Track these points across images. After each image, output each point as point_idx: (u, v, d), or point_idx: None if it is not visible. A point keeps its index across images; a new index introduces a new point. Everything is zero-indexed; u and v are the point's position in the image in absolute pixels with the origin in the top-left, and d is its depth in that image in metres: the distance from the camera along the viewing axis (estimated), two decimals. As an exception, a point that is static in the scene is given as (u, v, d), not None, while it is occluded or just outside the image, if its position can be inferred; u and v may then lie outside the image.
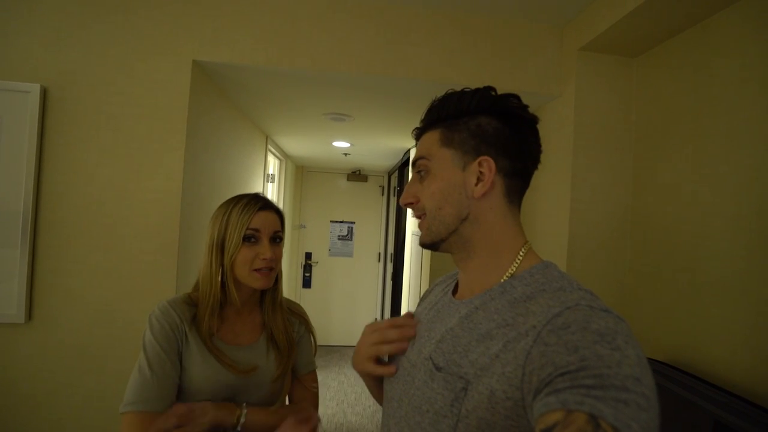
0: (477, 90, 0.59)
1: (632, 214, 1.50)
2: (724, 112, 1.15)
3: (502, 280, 0.56)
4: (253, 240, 0.89)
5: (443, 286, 0.69)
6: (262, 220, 0.89)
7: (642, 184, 1.46)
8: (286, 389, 0.93)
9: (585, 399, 0.37)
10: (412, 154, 3.01)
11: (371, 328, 0.66)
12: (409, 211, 3.19)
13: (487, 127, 0.58)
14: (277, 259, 0.92)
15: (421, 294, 0.85)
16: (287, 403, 0.95)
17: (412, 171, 0.64)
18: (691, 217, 1.24)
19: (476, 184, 0.57)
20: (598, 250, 1.50)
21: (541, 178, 1.69)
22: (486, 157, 0.57)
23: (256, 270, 0.88)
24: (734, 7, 1.14)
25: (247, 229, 0.87)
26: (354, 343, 4.84)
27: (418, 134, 0.65)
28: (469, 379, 0.49)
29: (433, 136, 0.61)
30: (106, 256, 1.40)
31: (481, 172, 0.57)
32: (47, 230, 1.37)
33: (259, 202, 0.91)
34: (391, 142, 2.92)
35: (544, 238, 1.66)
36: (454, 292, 0.64)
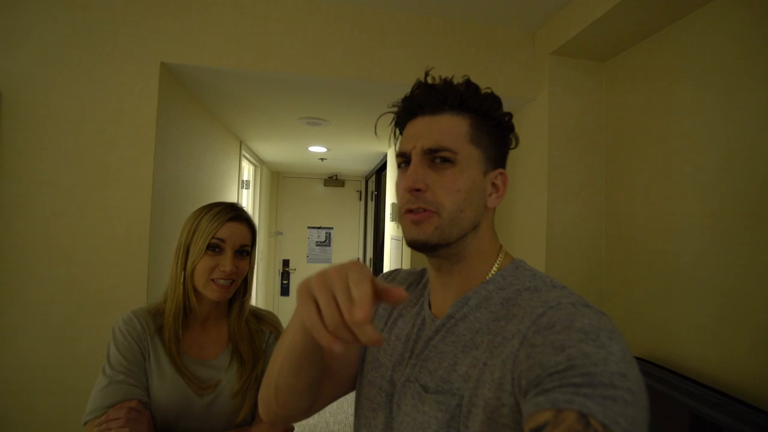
0: (495, 96, 0.58)
1: (606, 213, 1.54)
2: (687, 114, 1.20)
3: (477, 287, 0.55)
4: (216, 250, 0.86)
5: (414, 296, 0.64)
6: (229, 231, 0.87)
7: (614, 184, 1.50)
8: (249, 403, 0.89)
9: (574, 397, 0.37)
10: (390, 158, 3.00)
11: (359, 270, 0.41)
12: (388, 215, 3.18)
13: (505, 140, 0.59)
14: (240, 272, 0.89)
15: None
16: (251, 417, 0.91)
17: (421, 156, 0.54)
18: (660, 215, 1.28)
19: (490, 195, 0.57)
20: (575, 249, 1.53)
21: (518, 180, 1.72)
22: (503, 171, 0.58)
23: (213, 280, 0.86)
24: (694, 14, 1.19)
25: (213, 238, 0.85)
26: (334, 351, 4.81)
27: (435, 108, 0.55)
28: (462, 393, 0.47)
29: (459, 126, 0.54)
30: (69, 268, 1.31)
31: (494, 184, 0.57)
32: (3, 242, 1.28)
33: (231, 212, 0.89)
34: (368, 146, 2.91)
35: (522, 238, 1.68)
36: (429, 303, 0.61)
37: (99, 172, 1.34)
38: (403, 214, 0.55)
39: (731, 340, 1.04)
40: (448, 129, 0.54)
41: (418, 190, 0.53)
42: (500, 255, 0.57)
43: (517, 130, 0.61)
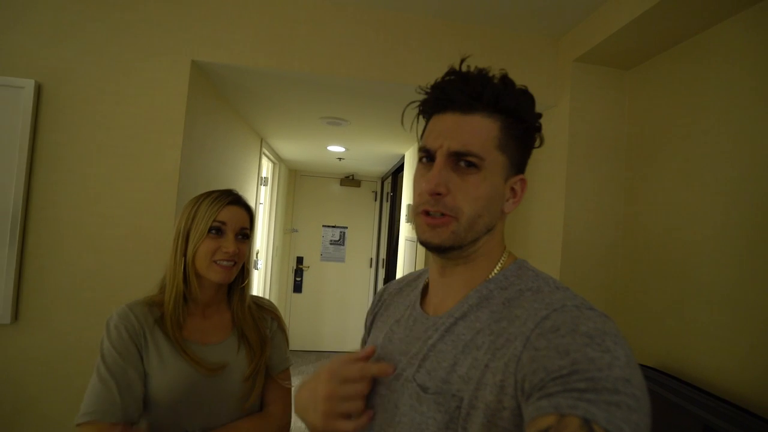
0: (530, 94, 0.55)
1: (624, 221, 1.53)
2: (712, 124, 1.19)
3: (478, 286, 0.55)
4: (218, 232, 0.88)
5: (405, 298, 0.65)
6: (230, 214, 0.89)
7: (634, 193, 1.49)
8: (258, 389, 0.90)
9: (578, 403, 0.36)
10: (407, 159, 3.02)
11: (335, 376, 0.53)
12: (403, 217, 3.19)
13: (531, 144, 0.57)
14: (241, 254, 0.91)
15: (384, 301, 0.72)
16: (260, 403, 0.93)
17: (446, 158, 0.52)
18: (680, 225, 1.27)
19: (508, 200, 0.55)
20: (591, 256, 1.52)
21: (536, 185, 1.72)
22: (523, 177, 0.56)
23: (216, 262, 0.87)
24: (723, 24, 1.18)
25: (214, 221, 0.87)
26: (345, 349, 4.81)
27: (467, 105, 0.52)
28: (462, 395, 0.47)
29: (489, 130, 0.52)
30: (97, 256, 1.37)
31: (513, 189, 0.56)
32: (37, 229, 1.35)
33: (229, 196, 0.91)
34: (386, 147, 2.93)
35: (538, 244, 1.68)
36: (422, 301, 0.61)
37: (129, 165, 1.40)
38: (419, 213, 0.53)
39: (747, 352, 1.03)
40: (478, 132, 0.52)
41: (439, 194, 0.51)
42: (504, 255, 0.57)
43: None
